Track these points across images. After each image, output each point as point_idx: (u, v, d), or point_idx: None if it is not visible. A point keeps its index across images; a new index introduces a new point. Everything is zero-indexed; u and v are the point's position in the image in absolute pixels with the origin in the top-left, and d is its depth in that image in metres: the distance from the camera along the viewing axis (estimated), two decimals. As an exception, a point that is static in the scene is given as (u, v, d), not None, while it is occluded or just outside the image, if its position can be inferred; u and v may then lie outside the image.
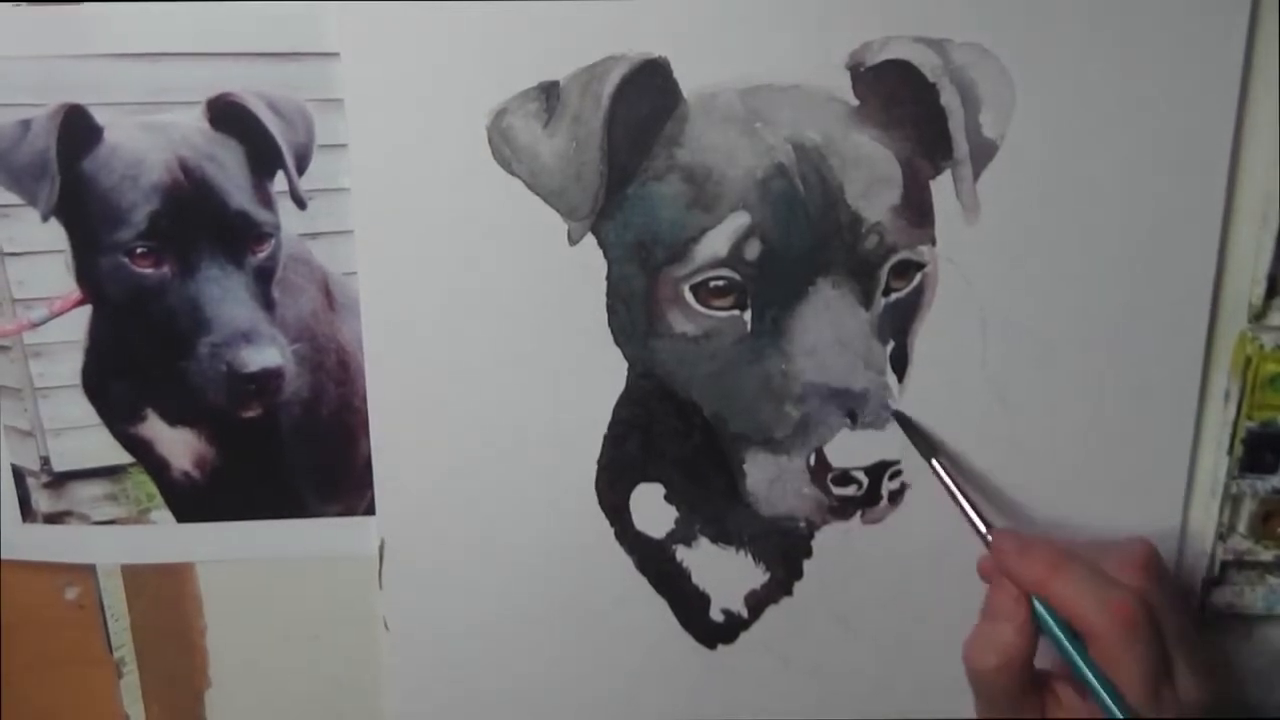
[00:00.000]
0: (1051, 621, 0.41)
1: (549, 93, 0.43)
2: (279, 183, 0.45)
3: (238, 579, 0.50)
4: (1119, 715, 0.39)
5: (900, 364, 0.46)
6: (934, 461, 0.45)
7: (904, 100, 0.44)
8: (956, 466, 0.47)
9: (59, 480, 0.48)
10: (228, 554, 0.50)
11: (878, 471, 0.46)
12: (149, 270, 0.45)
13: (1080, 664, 0.40)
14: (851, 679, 0.51)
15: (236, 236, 0.45)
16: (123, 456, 0.48)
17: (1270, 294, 0.45)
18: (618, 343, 0.46)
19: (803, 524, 0.48)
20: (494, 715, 0.51)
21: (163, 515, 0.49)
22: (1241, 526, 0.48)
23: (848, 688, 0.51)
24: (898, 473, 0.46)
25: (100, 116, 0.44)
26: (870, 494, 0.47)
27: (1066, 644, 0.41)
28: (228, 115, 0.44)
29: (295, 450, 0.48)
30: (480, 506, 0.48)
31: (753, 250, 0.44)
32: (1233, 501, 0.48)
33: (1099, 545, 0.44)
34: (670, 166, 0.44)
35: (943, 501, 0.47)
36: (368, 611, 0.50)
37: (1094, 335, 0.46)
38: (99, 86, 0.43)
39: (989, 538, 0.43)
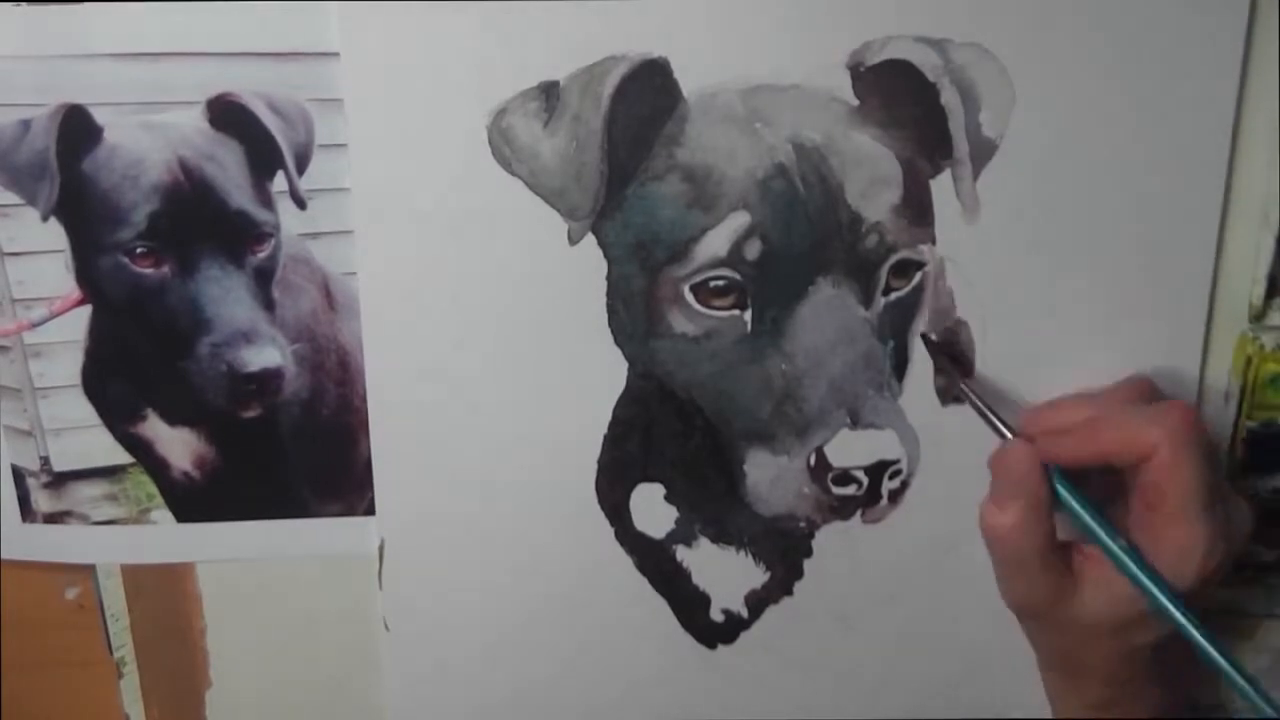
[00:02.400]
0: (1060, 485, 0.40)
1: (549, 93, 0.43)
2: (279, 183, 0.45)
3: (238, 579, 0.50)
4: (1142, 578, 0.39)
5: (900, 364, 0.46)
6: (964, 385, 0.45)
7: (904, 100, 0.44)
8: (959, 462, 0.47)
9: (59, 480, 0.48)
10: (228, 554, 0.50)
11: (878, 471, 0.46)
12: (149, 270, 0.45)
13: (1093, 524, 0.40)
14: (851, 679, 0.51)
15: (236, 236, 0.45)
16: (123, 456, 0.48)
17: (1270, 294, 0.45)
18: (618, 343, 0.46)
19: (803, 524, 0.48)
20: (494, 715, 0.51)
21: (163, 515, 0.49)
22: (1241, 526, 0.48)
23: (848, 687, 0.51)
24: (898, 472, 0.46)
25: (100, 116, 0.44)
26: (870, 493, 0.47)
27: (1075, 504, 0.40)
28: (228, 115, 0.44)
29: (295, 450, 0.48)
30: (480, 506, 0.48)
31: (753, 250, 0.44)
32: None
33: (1096, 396, 0.43)
34: (670, 166, 0.44)
35: (943, 501, 0.47)
36: (368, 611, 0.50)
37: (1094, 335, 0.46)
38: (99, 86, 0.43)
39: (1013, 440, 0.42)
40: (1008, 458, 0.42)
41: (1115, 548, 0.40)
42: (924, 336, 0.46)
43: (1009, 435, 0.43)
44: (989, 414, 0.44)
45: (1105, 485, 0.42)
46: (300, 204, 0.45)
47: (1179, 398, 0.46)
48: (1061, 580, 0.41)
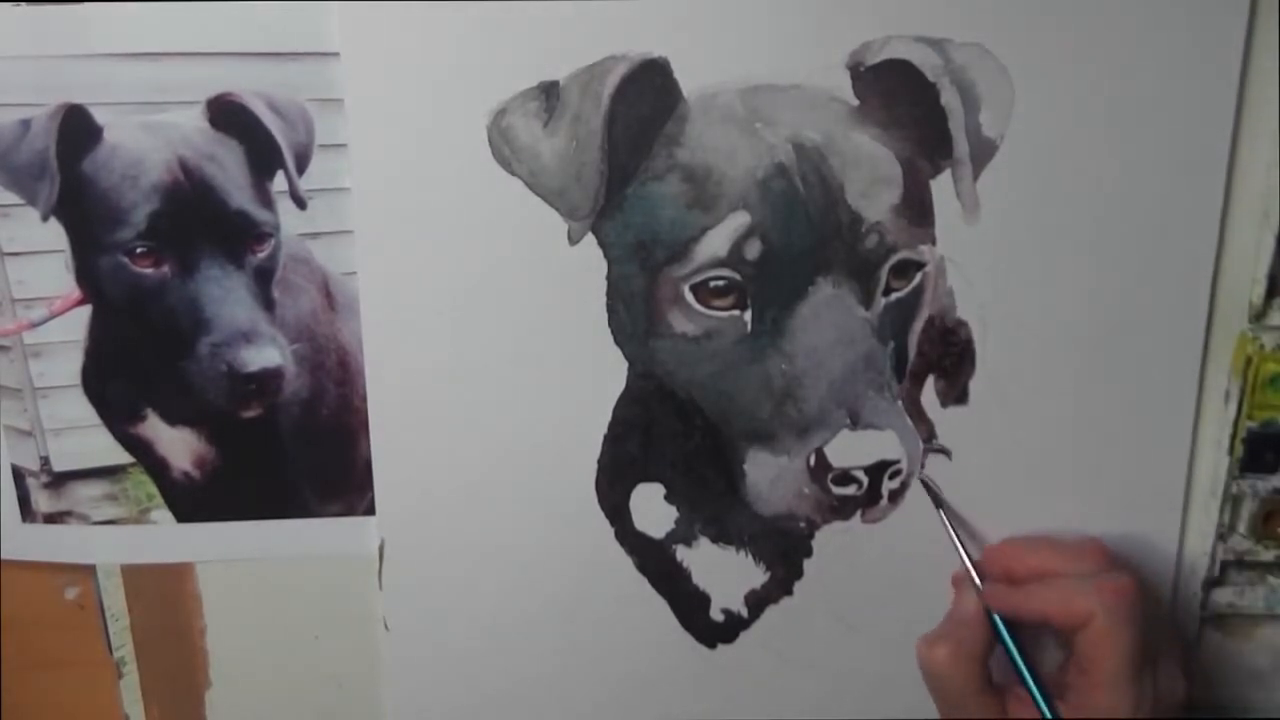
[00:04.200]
0: (1002, 628, 0.44)
1: (549, 93, 0.43)
2: (279, 183, 0.45)
3: (238, 579, 0.50)
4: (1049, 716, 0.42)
5: (900, 364, 0.46)
6: (941, 511, 0.47)
7: (904, 100, 0.44)
8: (953, 473, 0.48)
9: (59, 480, 0.48)
10: (228, 554, 0.50)
11: (878, 471, 0.46)
12: (149, 270, 0.45)
13: (1021, 667, 0.43)
14: (851, 679, 0.51)
15: (236, 236, 0.45)
16: (123, 456, 0.48)
17: (1270, 294, 0.45)
18: (618, 343, 0.46)
19: (803, 524, 0.48)
20: (494, 715, 0.51)
21: (163, 515, 0.49)
22: (1241, 526, 0.48)
23: (848, 687, 0.51)
24: (898, 472, 0.46)
25: (100, 116, 0.44)
26: (870, 494, 0.47)
27: (1013, 649, 0.44)
28: (228, 115, 0.44)
29: (295, 450, 0.48)
30: (480, 506, 0.48)
31: (753, 250, 0.44)
32: (1233, 501, 0.48)
33: (1059, 546, 0.46)
34: (670, 166, 0.44)
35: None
36: (368, 611, 0.50)
37: (1094, 335, 0.46)
38: (99, 86, 0.43)
39: (980, 588, 0.46)
40: (958, 600, 0.46)
41: (1036, 694, 0.43)
42: (923, 481, 0.48)
43: (973, 572, 0.46)
44: (959, 546, 0.46)
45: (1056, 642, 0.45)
46: (300, 204, 0.45)
47: (1178, 401, 0.47)
48: (989, 715, 0.43)
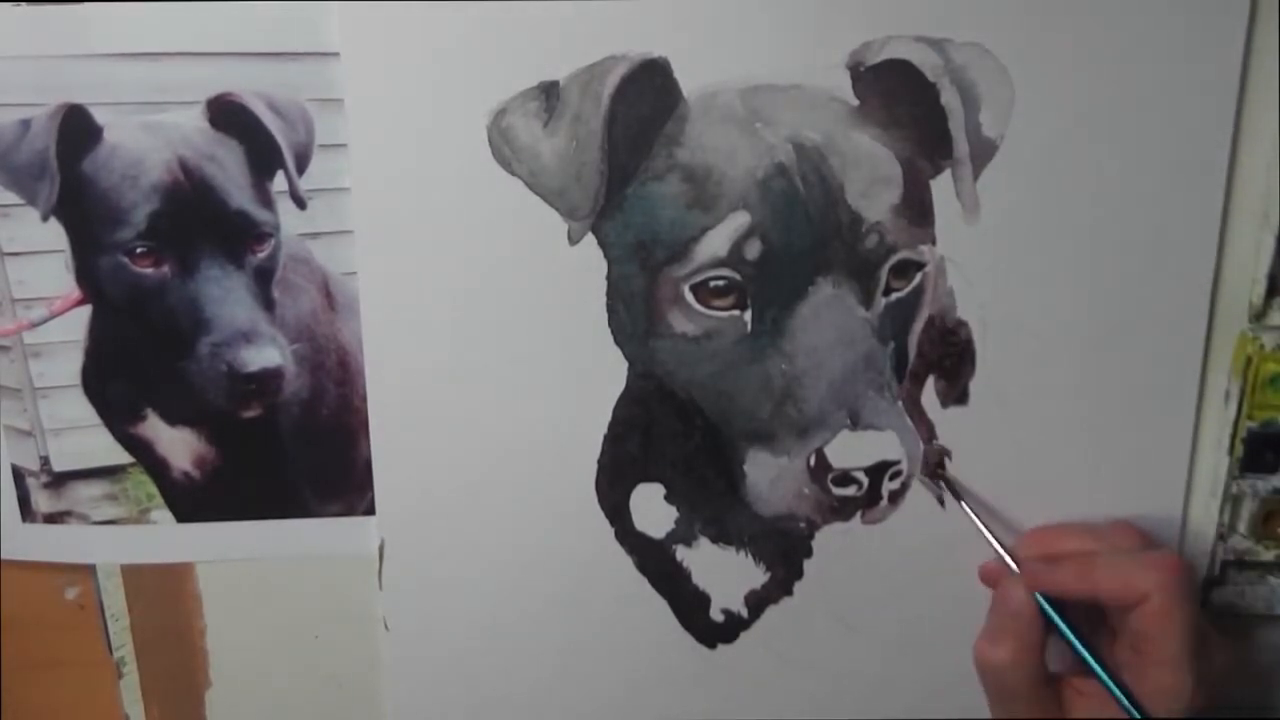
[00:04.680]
0: (1057, 616, 0.42)
1: (549, 93, 0.43)
2: (279, 183, 0.45)
3: (238, 579, 0.50)
4: (1134, 713, 0.40)
5: (900, 364, 0.46)
6: (963, 503, 0.47)
7: (904, 100, 0.44)
8: (958, 474, 0.48)
9: (59, 480, 0.48)
10: (228, 554, 0.50)
11: (878, 472, 0.46)
12: (149, 270, 0.45)
13: (1088, 657, 0.41)
14: (851, 679, 0.51)
15: (236, 236, 0.45)
16: (123, 456, 0.48)
17: (1270, 293, 0.45)
18: (618, 343, 0.46)
19: (803, 524, 0.48)
20: (494, 715, 0.51)
21: (163, 515, 0.49)
22: (1241, 526, 0.48)
23: (848, 688, 0.51)
24: (898, 473, 0.46)
25: (100, 116, 0.44)
26: (870, 494, 0.47)
27: (1072, 636, 0.42)
28: (228, 115, 0.44)
29: (295, 450, 0.48)
30: (480, 506, 0.48)
31: (753, 250, 0.44)
32: (1233, 501, 0.48)
33: (1094, 529, 0.45)
34: (670, 166, 0.44)
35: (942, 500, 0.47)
36: (368, 611, 0.50)
37: (1094, 335, 0.46)
38: (99, 86, 0.43)
39: (1016, 570, 0.44)
40: (1005, 594, 0.44)
41: (1112, 685, 0.41)
42: (937, 468, 0.47)
43: (1010, 561, 0.45)
44: (991, 538, 0.45)
45: (1087, 617, 0.44)
46: (300, 204, 0.45)
47: (1178, 401, 0.47)
48: (1048, 711, 0.42)
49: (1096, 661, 0.41)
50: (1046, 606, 0.43)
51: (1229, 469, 0.47)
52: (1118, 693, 0.41)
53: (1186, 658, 0.40)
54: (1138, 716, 0.40)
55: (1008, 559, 0.45)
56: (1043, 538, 0.46)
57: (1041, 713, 0.42)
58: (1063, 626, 0.42)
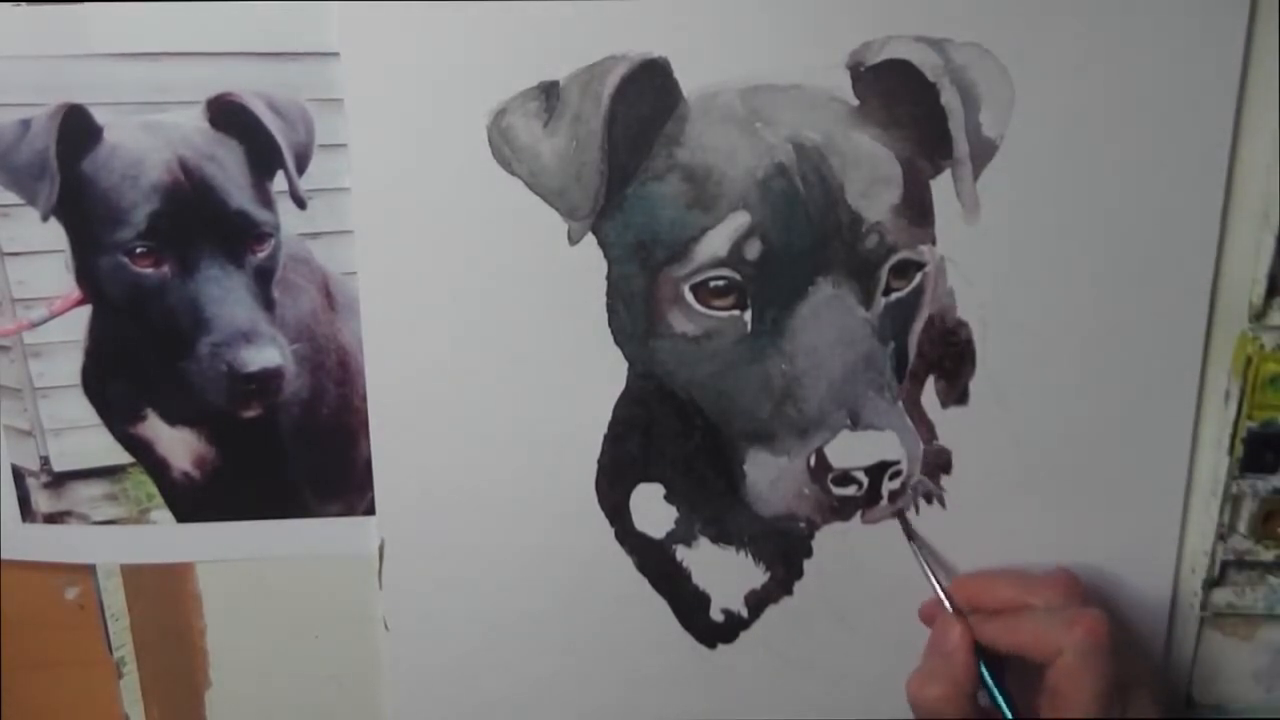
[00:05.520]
0: (983, 667, 0.44)
1: (549, 93, 0.43)
2: (279, 183, 0.45)
3: (238, 579, 0.50)
4: None
5: (900, 365, 0.46)
6: (913, 544, 0.48)
7: (904, 100, 0.44)
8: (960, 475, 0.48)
9: (59, 480, 0.48)
10: (228, 554, 0.50)
11: (878, 472, 0.46)
12: (149, 270, 0.45)
13: (999, 700, 0.44)
14: (851, 679, 0.51)
15: (236, 236, 0.45)
16: (123, 456, 0.48)
17: (1270, 293, 0.45)
18: (618, 343, 0.46)
19: (803, 524, 0.48)
20: (494, 715, 0.51)
21: (163, 515, 0.49)
22: (1241, 526, 0.48)
23: (848, 688, 0.51)
24: (898, 473, 0.46)
25: (100, 116, 0.44)
26: (870, 494, 0.47)
27: (994, 689, 0.44)
28: (228, 115, 0.44)
29: (295, 450, 0.48)
30: (480, 506, 0.48)
31: (753, 250, 0.44)
32: (1233, 501, 0.48)
33: (1027, 578, 0.46)
34: (670, 166, 0.44)
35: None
36: (368, 611, 0.50)
37: (1094, 335, 0.46)
38: (99, 86, 0.43)
39: (952, 618, 0.46)
40: (941, 635, 0.46)
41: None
42: (901, 516, 0.48)
43: (948, 605, 0.46)
44: (933, 579, 0.47)
45: (1024, 667, 0.45)
46: (300, 204, 0.45)
47: (1178, 401, 0.47)
48: None
49: (1009, 711, 0.44)
50: (979, 658, 0.44)
51: (1229, 469, 0.47)
52: None
53: (1094, 714, 0.41)
54: None
55: (946, 603, 0.46)
56: (976, 585, 0.47)
57: None
58: (987, 677, 0.44)
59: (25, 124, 0.43)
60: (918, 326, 0.46)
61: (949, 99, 0.43)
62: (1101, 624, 0.42)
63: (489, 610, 0.50)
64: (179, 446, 0.48)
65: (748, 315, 0.45)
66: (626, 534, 0.49)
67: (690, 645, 0.50)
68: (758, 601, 0.50)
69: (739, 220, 0.44)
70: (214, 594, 0.51)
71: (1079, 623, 0.42)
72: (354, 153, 0.44)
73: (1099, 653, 0.42)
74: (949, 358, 0.47)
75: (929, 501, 0.48)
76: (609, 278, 0.45)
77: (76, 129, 0.43)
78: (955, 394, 0.47)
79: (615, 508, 0.48)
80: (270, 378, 0.46)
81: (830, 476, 0.46)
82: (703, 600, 0.50)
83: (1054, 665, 0.42)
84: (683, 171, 0.44)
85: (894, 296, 0.45)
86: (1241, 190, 0.44)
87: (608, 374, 0.46)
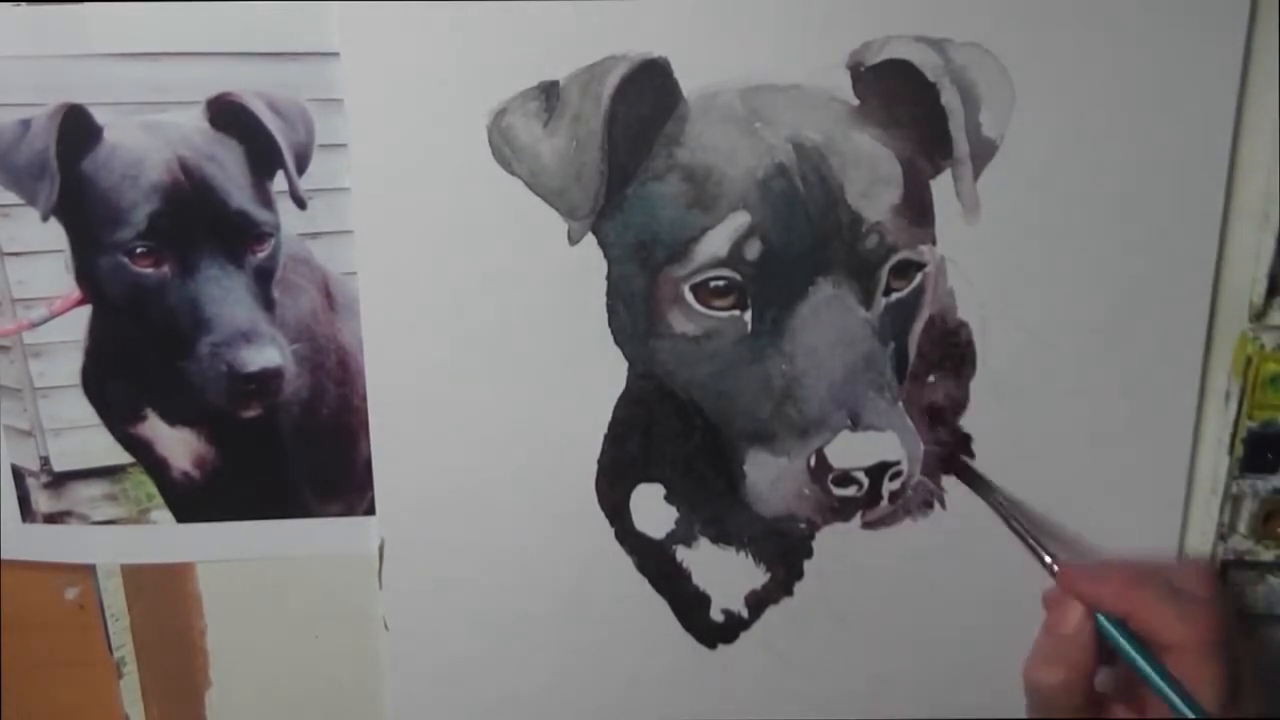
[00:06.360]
0: (1119, 636, 0.42)
1: (549, 93, 0.43)
2: (279, 183, 0.45)
3: (238, 579, 0.50)
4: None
5: (901, 365, 0.46)
6: (992, 500, 0.46)
7: (904, 100, 0.44)
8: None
9: (59, 480, 0.48)
10: (228, 554, 0.50)
11: (878, 472, 0.46)
12: (149, 270, 0.45)
13: (1153, 675, 0.41)
14: (851, 679, 0.51)
15: (236, 236, 0.45)
16: (123, 456, 0.48)
17: (1270, 293, 0.45)
18: (618, 343, 0.46)
19: (803, 525, 0.48)
20: (494, 715, 0.51)
21: (163, 515, 0.49)
22: (1242, 526, 0.48)
23: (848, 687, 0.51)
24: (898, 473, 0.46)
25: (100, 116, 0.44)
26: (871, 495, 0.47)
27: (1137, 656, 0.41)
28: (228, 115, 0.44)
29: (295, 450, 0.48)
30: (480, 506, 0.48)
31: (753, 250, 0.44)
32: (1233, 501, 0.48)
33: (1162, 563, 0.45)
34: (670, 166, 0.44)
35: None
36: (368, 611, 0.50)
37: (1094, 335, 0.46)
38: (99, 86, 0.43)
39: (1055, 568, 0.44)
40: (1060, 617, 0.43)
41: (1172, 694, 0.41)
42: (963, 462, 0.47)
43: (1048, 560, 0.45)
44: (1030, 541, 0.45)
45: None
46: (300, 204, 0.45)
47: (1179, 401, 0.47)
48: None
49: (1163, 676, 0.41)
50: (1109, 627, 0.42)
51: (1229, 469, 0.47)
52: (1182, 706, 0.40)
53: (1215, 706, 0.40)
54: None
55: (1042, 554, 0.45)
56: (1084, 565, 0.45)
57: None
58: (1126, 646, 0.42)
59: (25, 124, 0.43)
60: (918, 327, 0.46)
61: (949, 99, 0.43)
62: (1219, 624, 0.41)
63: (489, 610, 0.50)
64: (179, 446, 0.48)
65: (748, 315, 0.45)
66: (626, 534, 0.49)
67: (690, 645, 0.50)
68: (758, 602, 0.50)
69: (739, 220, 0.44)
70: (214, 594, 0.51)
71: (1198, 621, 0.41)
72: (354, 153, 0.44)
73: (1218, 652, 0.41)
74: (949, 358, 0.47)
75: (929, 504, 0.48)
76: (609, 278, 0.45)
77: (76, 129, 0.43)
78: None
79: (615, 508, 0.48)
80: (270, 378, 0.46)
81: (830, 477, 0.46)
82: (703, 600, 0.50)
83: (1170, 656, 0.41)
84: (683, 171, 0.44)
85: (894, 297, 0.45)
86: (1241, 190, 0.44)
87: (608, 374, 0.46)
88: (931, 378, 0.47)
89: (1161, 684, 0.41)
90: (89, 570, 0.50)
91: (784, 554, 0.49)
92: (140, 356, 0.46)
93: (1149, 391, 0.47)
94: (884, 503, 0.47)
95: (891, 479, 0.46)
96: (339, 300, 0.47)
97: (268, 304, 0.46)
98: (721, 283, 0.45)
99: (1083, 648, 0.43)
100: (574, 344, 0.46)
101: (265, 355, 0.46)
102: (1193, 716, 0.40)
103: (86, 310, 0.46)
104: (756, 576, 0.49)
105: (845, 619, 0.50)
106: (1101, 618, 0.43)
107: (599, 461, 0.48)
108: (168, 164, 0.44)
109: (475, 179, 0.44)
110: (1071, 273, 0.45)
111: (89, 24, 0.42)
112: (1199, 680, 0.40)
